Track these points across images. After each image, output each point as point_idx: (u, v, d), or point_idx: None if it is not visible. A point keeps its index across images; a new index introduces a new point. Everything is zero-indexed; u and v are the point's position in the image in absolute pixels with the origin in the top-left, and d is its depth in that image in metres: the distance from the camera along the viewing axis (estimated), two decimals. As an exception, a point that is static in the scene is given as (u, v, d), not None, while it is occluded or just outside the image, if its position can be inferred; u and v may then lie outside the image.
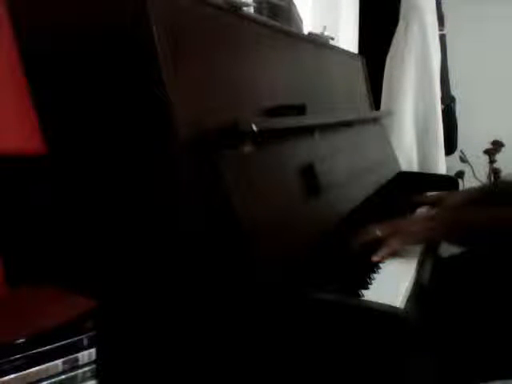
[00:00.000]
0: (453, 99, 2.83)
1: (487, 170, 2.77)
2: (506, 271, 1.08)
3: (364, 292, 0.87)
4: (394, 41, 2.43)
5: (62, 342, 0.70)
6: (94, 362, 0.74)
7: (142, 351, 0.83)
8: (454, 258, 1.22)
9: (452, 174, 2.51)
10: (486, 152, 2.74)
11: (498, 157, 2.74)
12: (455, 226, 1.05)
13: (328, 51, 1.60)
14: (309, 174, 1.05)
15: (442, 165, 2.43)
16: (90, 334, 0.73)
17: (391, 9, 2.45)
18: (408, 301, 0.90)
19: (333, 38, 1.65)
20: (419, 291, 0.98)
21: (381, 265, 1.00)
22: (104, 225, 0.85)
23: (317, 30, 1.58)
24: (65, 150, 0.85)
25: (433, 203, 1.43)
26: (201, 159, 0.79)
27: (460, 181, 2.23)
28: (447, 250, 1.18)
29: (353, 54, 2.05)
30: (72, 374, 0.71)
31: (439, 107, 2.44)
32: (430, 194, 1.58)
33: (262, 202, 0.88)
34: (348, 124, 1.47)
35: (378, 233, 1.02)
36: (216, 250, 0.78)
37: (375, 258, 0.99)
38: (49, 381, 0.69)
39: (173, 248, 0.81)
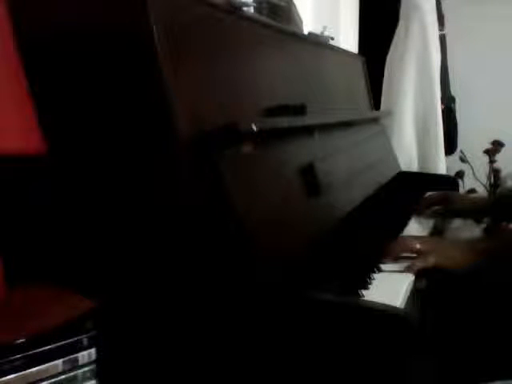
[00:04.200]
0: (453, 99, 2.83)
1: (487, 170, 2.77)
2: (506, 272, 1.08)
3: (364, 292, 0.87)
4: (394, 41, 2.43)
5: (62, 342, 0.70)
6: (94, 361, 0.74)
7: (141, 351, 0.83)
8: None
9: (452, 174, 2.50)
10: (486, 152, 2.73)
11: (498, 157, 2.73)
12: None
13: (328, 51, 1.60)
14: (309, 173, 1.05)
15: (442, 165, 2.43)
16: (90, 334, 0.73)
17: (391, 9, 2.45)
18: (408, 301, 0.90)
19: (333, 38, 1.65)
20: (419, 291, 0.98)
21: (381, 265, 1.00)
22: (104, 224, 0.85)
23: (317, 30, 1.58)
24: (65, 150, 0.85)
25: (436, 203, 1.44)
26: (201, 159, 0.79)
27: (460, 181, 2.23)
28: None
29: (353, 53, 2.05)
30: (72, 373, 0.71)
31: (439, 107, 2.44)
32: (430, 193, 1.57)
33: (261, 201, 0.88)
34: (348, 124, 1.47)
35: (419, 246, 1.03)
36: (216, 250, 0.78)
37: (409, 269, 0.99)
38: (49, 381, 0.69)
39: (172, 248, 0.81)
